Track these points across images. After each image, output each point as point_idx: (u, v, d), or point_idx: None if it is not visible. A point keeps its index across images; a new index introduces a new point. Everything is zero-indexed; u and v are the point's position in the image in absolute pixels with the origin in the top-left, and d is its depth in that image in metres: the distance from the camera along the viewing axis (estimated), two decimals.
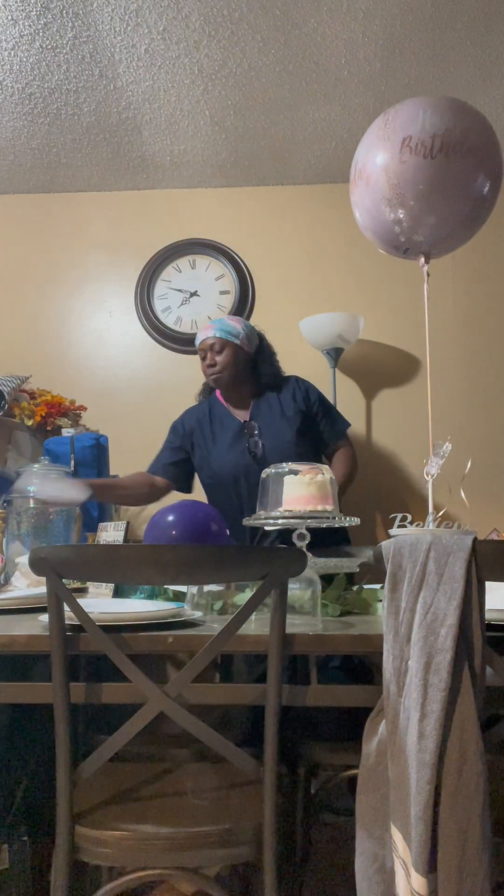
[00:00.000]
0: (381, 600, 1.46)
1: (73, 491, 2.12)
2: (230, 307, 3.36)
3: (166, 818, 1.21)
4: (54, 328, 3.44)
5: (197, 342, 2.51)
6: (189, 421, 2.58)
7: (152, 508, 3.11)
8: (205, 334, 2.48)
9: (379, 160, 1.78)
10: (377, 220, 1.85)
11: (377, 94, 2.77)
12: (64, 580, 1.17)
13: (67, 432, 2.90)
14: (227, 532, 1.83)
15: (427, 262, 1.86)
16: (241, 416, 2.53)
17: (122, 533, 1.83)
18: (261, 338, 2.56)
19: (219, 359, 2.46)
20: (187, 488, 2.59)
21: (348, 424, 2.64)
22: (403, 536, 1.18)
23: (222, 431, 2.51)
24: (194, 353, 3.36)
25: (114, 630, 1.22)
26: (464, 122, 1.73)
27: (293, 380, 2.59)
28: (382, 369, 3.35)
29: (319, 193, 3.41)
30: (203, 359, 2.49)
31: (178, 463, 2.55)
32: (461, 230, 1.84)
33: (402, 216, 1.79)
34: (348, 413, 3.29)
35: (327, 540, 2.17)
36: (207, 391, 2.65)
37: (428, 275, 1.85)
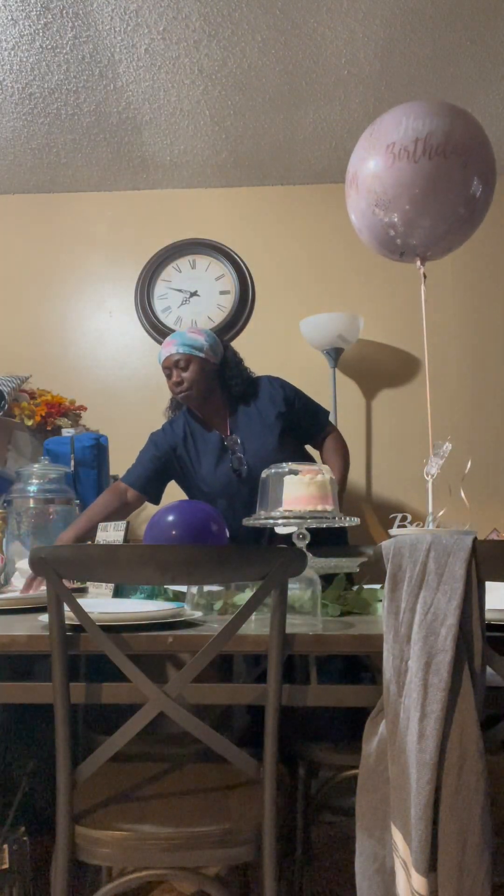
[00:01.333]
0: (381, 600, 1.46)
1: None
2: (230, 307, 3.36)
3: (166, 818, 1.21)
4: (54, 328, 3.44)
5: (160, 359, 2.37)
6: (171, 436, 2.44)
7: (152, 508, 3.11)
8: (167, 351, 2.34)
9: (367, 168, 1.82)
10: (371, 225, 1.87)
11: (377, 94, 2.77)
12: (64, 580, 1.17)
13: (67, 432, 2.91)
14: (227, 534, 1.83)
15: (423, 264, 1.86)
16: (221, 430, 2.41)
17: (122, 533, 1.83)
18: (225, 346, 2.45)
19: (185, 375, 2.32)
20: (158, 501, 2.46)
21: (328, 412, 2.53)
22: (403, 536, 1.18)
23: (205, 449, 2.40)
24: None
25: (114, 630, 1.22)
26: (447, 124, 1.74)
27: (265, 381, 2.46)
28: (382, 369, 3.35)
29: (319, 193, 3.42)
30: (169, 377, 2.36)
31: (155, 477, 2.41)
32: (455, 231, 1.84)
33: (393, 221, 1.81)
34: (348, 413, 3.30)
35: (326, 540, 2.16)
36: (175, 406, 2.52)
37: (425, 276, 1.86)
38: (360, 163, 1.85)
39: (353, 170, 1.89)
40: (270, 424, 2.36)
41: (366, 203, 1.84)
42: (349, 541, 2.52)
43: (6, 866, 1.56)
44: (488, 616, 1.13)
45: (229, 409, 2.42)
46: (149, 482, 2.38)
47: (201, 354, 2.33)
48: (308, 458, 2.47)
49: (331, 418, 2.71)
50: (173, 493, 2.58)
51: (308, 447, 2.53)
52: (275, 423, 2.36)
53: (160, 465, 2.40)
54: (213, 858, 1.18)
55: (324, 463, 2.41)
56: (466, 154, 1.74)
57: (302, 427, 2.44)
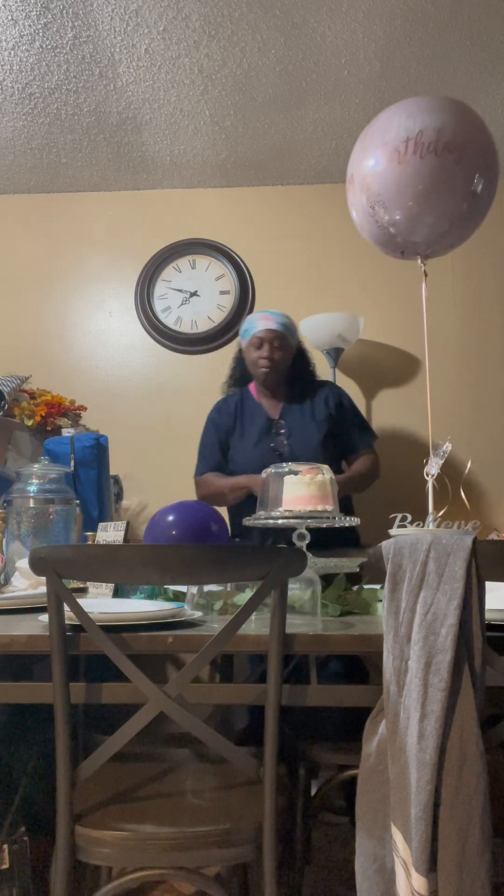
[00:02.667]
0: (381, 600, 1.46)
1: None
2: (230, 307, 3.36)
3: (166, 818, 1.21)
4: (54, 328, 3.44)
5: (253, 329, 2.45)
6: (223, 415, 2.57)
7: (152, 508, 3.11)
8: (267, 324, 2.44)
9: (363, 168, 1.83)
10: (371, 224, 1.88)
11: (377, 94, 2.77)
12: (64, 580, 1.17)
13: (67, 432, 2.90)
14: (229, 532, 1.83)
15: (424, 261, 1.86)
16: (272, 412, 2.52)
17: (122, 533, 1.83)
18: (299, 339, 2.58)
19: (276, 354, 2.44)
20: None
21: (375, 437, 2.63)
22: (403, 536, 1.18)
23: (251, 426, 2.51)
24: (194, 352, 3.40)
25: (114, 630, 1.22)
26: (438, 121, 1.73)
27: (328, 385, 2.61)
28: (382, 369, 3.35)
29: (319, 193, 3.41)
30: (258, 347, 2.44)
31: (222, 460, 2.56)
32: (456, 228, 1.84)
33: (391, 219, 1.81)
34: None
35: (335, 541, 2.16)
36: (236, 382, 2.62)
37: (426, 275, 1.86)
38: (357, 164, 1.87)
39: (351, 171, 1.91)
40: (318, 423, 2.47)
41: (364, 202, 1.85)
42: (361, 542, 2.53)
43: (6, 866, 1.56)
44: (488, 616, 1.13)
45: (285, 397, 2.54)
46: (221, 465, 2.55)
47: (292, 339, 2.47)
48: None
49: None
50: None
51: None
52: (322, 423, 2.47)
53: (225, 446, 2.56)
54: (213, 858, 1.18)
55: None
56: (460, 150, 1.73)
57: (344, 438, 2.53)
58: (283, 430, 2.47)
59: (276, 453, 2.43)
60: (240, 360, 2.63)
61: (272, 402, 2.54)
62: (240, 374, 2.63)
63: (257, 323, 2.46)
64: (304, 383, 2.54)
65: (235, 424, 2.53)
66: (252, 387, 2.59)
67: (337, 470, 2.54)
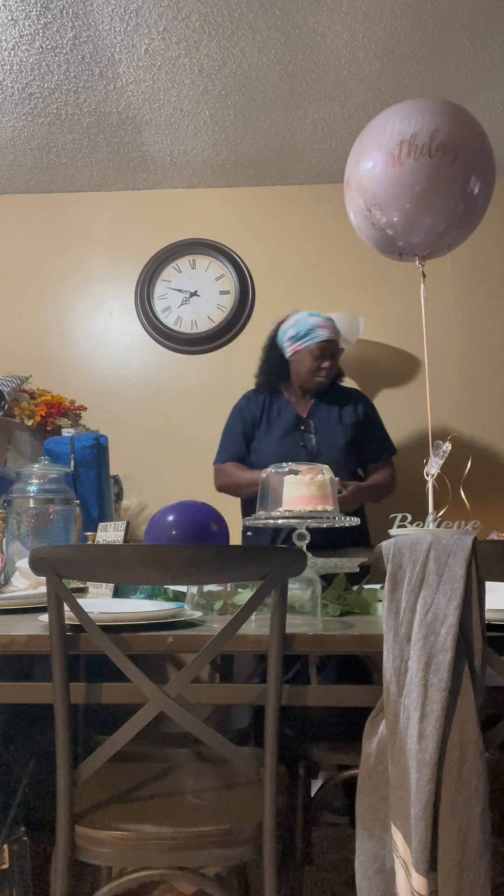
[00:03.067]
0: (381, 600, 1.46)
1: None
2: (230, 307, 3.36)
3: (166, 818, 1.21)
4: (54, 328, 3.44)
5: (314, 337, 2.44)
6: (252, 406, 2.58)
7: (152, 508, 3.11)
8: (328, 334, 2.44)
9: (359, 171, 1.85)
10: (369, 227, 1.89)
11: (377, 94, 2.77)
12: (64, 580, 1.17)
13: (67, 432, 2.90)
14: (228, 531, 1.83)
15: (423, 262, 1.87)
16: (301, 410, 2.55)
17: (122, 533, 1.83)
18: None
19: (333, 365, 2.47)
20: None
21: (395, 451, 2.65)
22: (403, 536, 1.18)
23: (278, 420, 2.52)
24: (194, 352, 3.40)
25: (114, 630, 1.22)
26: (432, 123, 1.74)
27: (356, 392, 2.65)
28: (382, 369, 3.34)
29: (319, 193, 3.41)
30: (318, 357, 2.44)
31: (244, 451, 2.57)
32: (453, 229, 1.85)
33: (388, 221, 1.82)
34: None
35: (345, 540, 2.17)
36: (266, 384, 2.59)
37: (424, 275, 1.86)
38: (353, 167, 1.89)
39: (348, 174, 1.93)
40: (345, 427, 2.51)
41: (361, 205, 1.86)
42: (371, 543, 2.53)
43: (6, 866, 1.56)
44: (488, 616, 1.13)
45: (314, 396, 2.56)
46: (242, 455, 2.57)
47: (342, 346, 2.54)
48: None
49: None
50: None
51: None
52: (349, 428, 2.50)
53: (249, 437, 2.57)
54: (213, 858, 1.18)
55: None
56: (454, 151, 1.74)
57: (367, 446, 2.56)
58: (310, 428, 2.49)
59: (303, 449, 2.45)
60: (277, 359, 2.57)
61: (301, 399, 2.57)
62: (277, 373, 2.58)
63: (318, 331, 2.45)
64: (334, 386, 2.57)
65: (262, 417, 2.54)
66: (283, 386, 2.60)
67: (356, 477, 2.57)
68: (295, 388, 2.57)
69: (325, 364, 2.45)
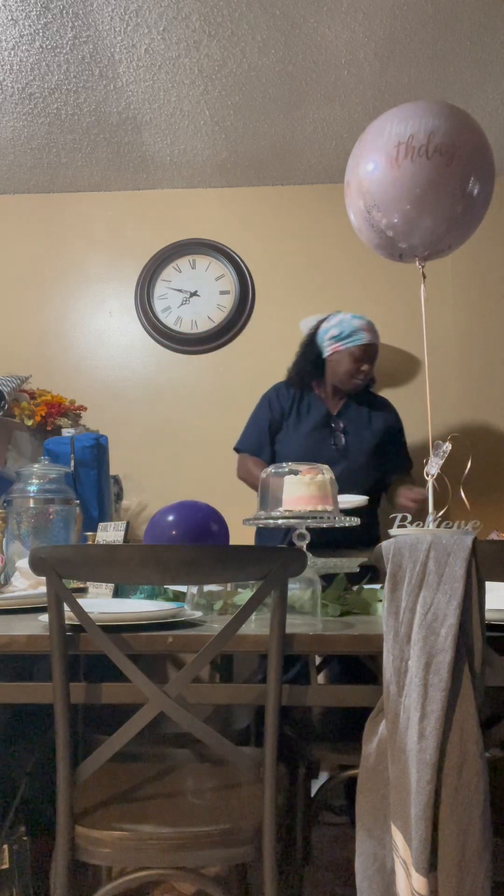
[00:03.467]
0: (381, 600, 1.46)
1: None
2: (230, 307, 3.36)
3: (166, 818, 1.21)
4: (54, 328, 3.44)
5: (357, 339, 2.45)
6: (283, 397, 2.58)
7: (152, 508, 3.11)
8: (371, 338, 2.45)
9: (359, 173, 1.85)
10: (369, 229, 1.90)
11: (377, 94, 2.77)
12: (64, 580, 1.17)
13: (67, 432, 2.90)
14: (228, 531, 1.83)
15: (423, 264, 1.87)
16: (331, 408, 2.56)
17: (122, 533, 1.83)
18: None
19: (370, 368, 2.48)
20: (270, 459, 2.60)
21: (412, 465, 2.66)
22: (403, 536, 1.18)
23: (308, 415, 2.53)
24: (194, 352, 3.41)
25: (114, 630, 1.22)
26: (429, 125, 1.75)
27: (386, 401, 2.67)
28: (382, 369, 3.34)
29: (319, 193, 3.41)
30: (358, 359, 2.45)
31: (271, 439, 2.57)
32: (452, 230, 1.85)
33: (388, 223, 1.82)
34: None
35: (356, 542, 2.16)
36: (308, 379, 2.58)
37: (424, 276, 1.86)
38: (353, 170, 1.90)
39: (348, 177, 1.93)
40: (373, 432, 2.53)
41: (360, 207, 1.87)
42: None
43: (6, 866, 1.56)
44: (488, 616, 1.13)
45: (346, 398, 2.57)
46: (267, 447, 2.57)
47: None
48: (373, 492, 2.50)
49: None
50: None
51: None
52: (377, 434, 2.53)
53: (276, 428, 2.57)
54: (213, 858, 1.18)
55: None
56: (451, 152, 1.74)
57: (390, 455, 2.58)
58: (339, 426, 2.51)
59: (332, 446, 2.46)
60: (314, 357, 2.57)
61: (332, 398, 2.58)
62: (311, 371, 2.56)
63: (361, 334, 2.45)
64: (366, 390, 2.60)
65: (292, 409, 2.54)
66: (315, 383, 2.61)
67: (377, 482, 2.56)
68: (327, 387, 2.58)
69: (364, 367, 2.46)
